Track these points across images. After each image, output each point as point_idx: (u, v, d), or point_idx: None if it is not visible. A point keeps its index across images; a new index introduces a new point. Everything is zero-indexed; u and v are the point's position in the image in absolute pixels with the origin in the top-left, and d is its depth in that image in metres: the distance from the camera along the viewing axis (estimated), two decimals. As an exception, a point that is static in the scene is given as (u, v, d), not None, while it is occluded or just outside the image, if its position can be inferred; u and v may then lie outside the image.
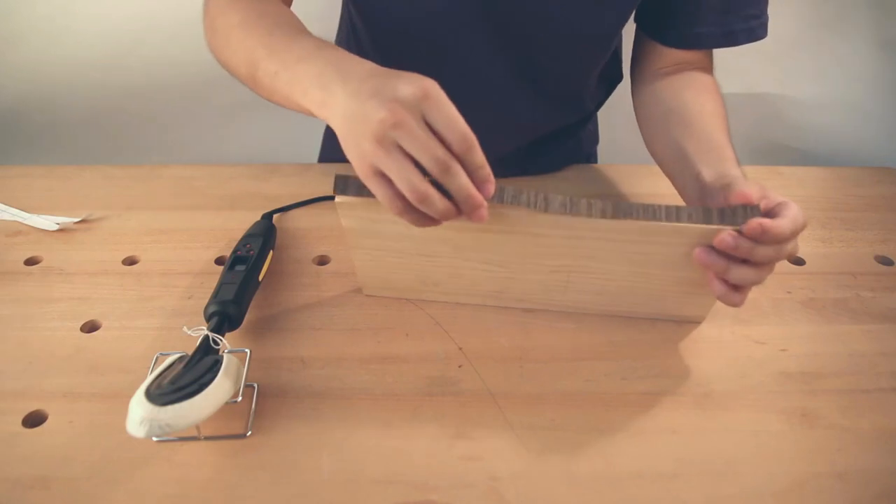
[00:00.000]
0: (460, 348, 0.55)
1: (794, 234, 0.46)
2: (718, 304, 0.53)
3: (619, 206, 0.47)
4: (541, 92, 0.68)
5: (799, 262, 0.65)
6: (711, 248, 0.47)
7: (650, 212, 0.46)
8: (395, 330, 0.57)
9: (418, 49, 0.64)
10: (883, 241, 0.68)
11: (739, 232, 0.46)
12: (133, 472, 0.45)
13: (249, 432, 0.47)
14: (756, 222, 0.45)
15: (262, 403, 0.50)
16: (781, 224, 0.45)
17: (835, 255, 0.66)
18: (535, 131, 0.74)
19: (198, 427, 0.46)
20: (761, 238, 0.45)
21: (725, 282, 0.48)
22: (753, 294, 0.59)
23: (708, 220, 0.46)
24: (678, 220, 0.46)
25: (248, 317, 0.56)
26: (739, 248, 0.46)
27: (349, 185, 0.48)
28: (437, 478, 0.45)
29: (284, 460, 0.46)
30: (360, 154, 0.42)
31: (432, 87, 0.41)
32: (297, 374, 0.52)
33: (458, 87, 0.68)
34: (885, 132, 0.98)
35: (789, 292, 0.61)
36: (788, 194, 0.72)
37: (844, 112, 1.00)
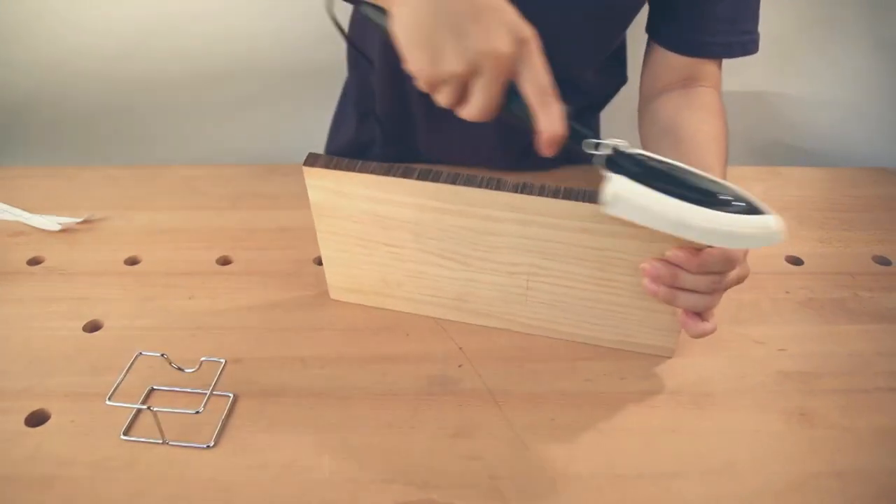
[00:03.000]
0: (460, 348, 0.55)
1: (726, 265, 0.45)
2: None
3: (573, 190, 0.47)
4: None
5: (797, 262, 0.65)
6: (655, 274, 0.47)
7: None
8: (395, 330, 0.57)
9: None
10: (881, 242, 0.68)
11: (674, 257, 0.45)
12: (133, 472, 0.45)
13: (213, 443, 0.47)
14: (675, 251, 0.45)
15: (262, 403, 0.50)
16: (711, 254, 0.44)
17: (833, 255, 0.67)
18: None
19: (162, 432, 0.46)
20: (686, 266, 0.45)
21: (689, 311, 0.48)
22: (752, 294, 0.60)
23: None
24: None
25: (248, 316, 0.56)
26: (661, 276, 0.46)
27: (318, 160, 0.51)
28: (438, 477, 0.45)
29: (284, 460, 0.46)
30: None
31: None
32: (297, 374, 0.53)
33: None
34: (883, 132, 0.98)
35: (788, 292, 0.62)
36: (787, 194, 0.71)
37: (843, 112, 1.00)
